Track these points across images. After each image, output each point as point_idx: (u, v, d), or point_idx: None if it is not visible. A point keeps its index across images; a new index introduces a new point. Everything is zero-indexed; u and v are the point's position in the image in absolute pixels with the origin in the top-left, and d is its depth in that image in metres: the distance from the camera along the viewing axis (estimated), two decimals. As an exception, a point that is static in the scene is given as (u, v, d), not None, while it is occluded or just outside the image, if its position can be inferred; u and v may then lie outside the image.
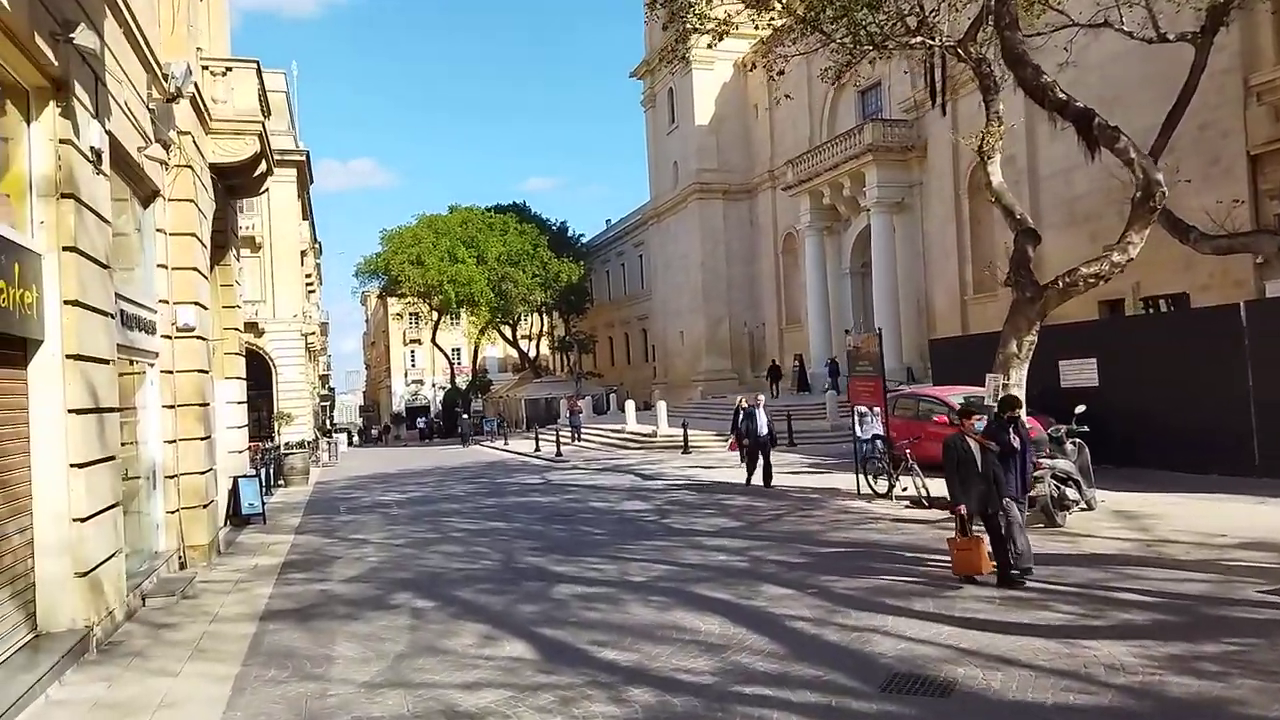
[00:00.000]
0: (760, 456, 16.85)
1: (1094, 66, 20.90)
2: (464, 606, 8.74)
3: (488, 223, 56.56)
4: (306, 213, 48.43)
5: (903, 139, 34.91)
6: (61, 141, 7.52)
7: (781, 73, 16.82)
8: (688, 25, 15.62)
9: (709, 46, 16.21)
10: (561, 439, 30.54)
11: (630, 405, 33.34)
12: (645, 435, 29.52)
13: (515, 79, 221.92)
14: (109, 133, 8.66)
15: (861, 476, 14.59)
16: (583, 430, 34.49)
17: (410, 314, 75.81)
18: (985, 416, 8.57)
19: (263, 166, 14.56)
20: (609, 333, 62.56)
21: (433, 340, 66.88)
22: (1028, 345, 12.59)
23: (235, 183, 14.83)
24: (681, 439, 26.31)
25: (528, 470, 25.80)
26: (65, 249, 7.51)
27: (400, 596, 9.37)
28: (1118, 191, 23.30)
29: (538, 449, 31.50)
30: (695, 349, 48.04)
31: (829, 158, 36.99)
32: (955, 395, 16.67)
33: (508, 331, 62.44)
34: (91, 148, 8.03)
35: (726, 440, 19.99)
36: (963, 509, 8.17)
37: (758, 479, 16.89)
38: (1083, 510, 11.20)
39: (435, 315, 61.84)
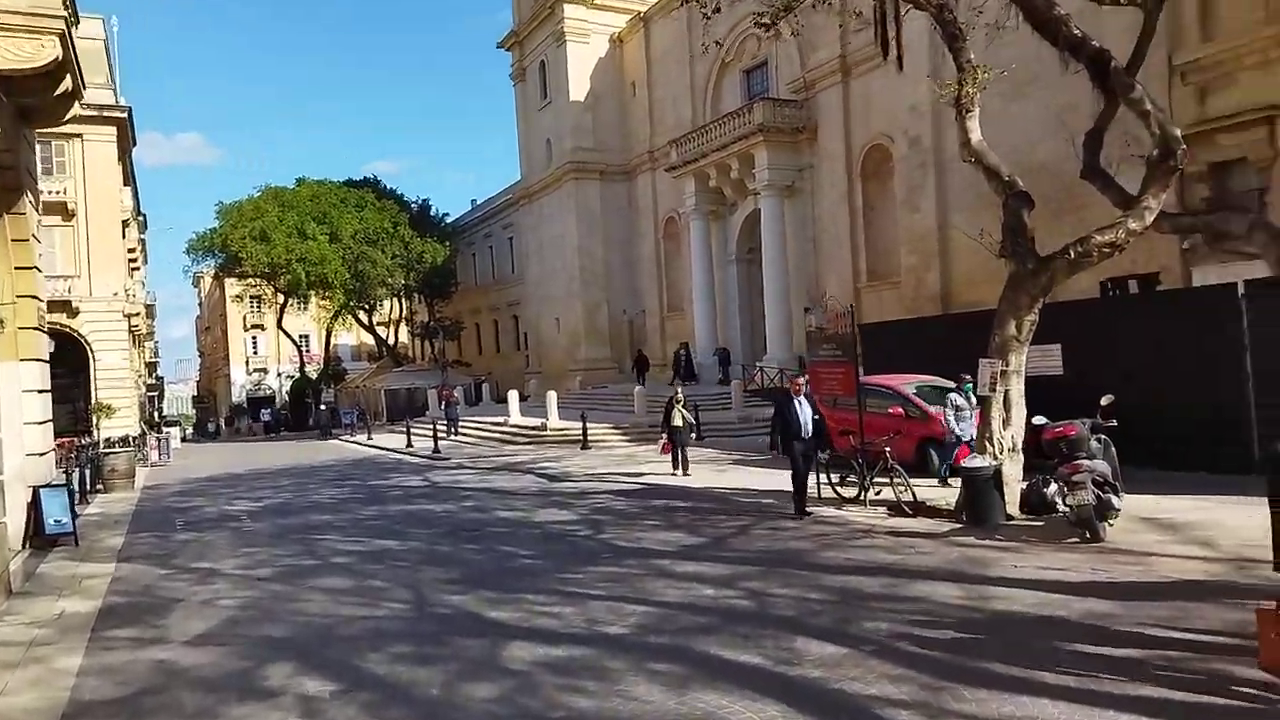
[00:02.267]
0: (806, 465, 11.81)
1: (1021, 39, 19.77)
2: (380, 689, 6.00)
3: (341, 198, 51.80)
4: (129, 179, 42.65)
5: (793, 120, 33.52)
6: None
7: (718, 9, 14.60)
8: None
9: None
10: (437, 433, 27.37)
11: (514, 396, 30.48)
12: (533, 429, 26.77)
13: (358, 56, 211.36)
14: None
15: (824, 479, 12.59)
16: (460, 423, 31.36)
17: (251, 297, 69.18)
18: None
19: (67, 83, 10.97)
20: (476, 319, 58.86)
21: (279, 325, 61.07)
22: (1029, 326, 10.98)
23: (30, 102, 11.17)
24: (578, 433, 23.78)
25: (404, 470, 22.61)
26: None
27: (278, 671, 6.51)
28: (1039, 176, 22.59)
29: (410, 444, 28.16)
30: (572, 337, 45.45)
31: (716, 138, 35.19)
32: (908, 384, 15.06)
33: (364, 316, 57.80)
34: None
35: (659, 440, 17.01)
36: None
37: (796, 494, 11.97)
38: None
39: (281, 298, 56.34)
